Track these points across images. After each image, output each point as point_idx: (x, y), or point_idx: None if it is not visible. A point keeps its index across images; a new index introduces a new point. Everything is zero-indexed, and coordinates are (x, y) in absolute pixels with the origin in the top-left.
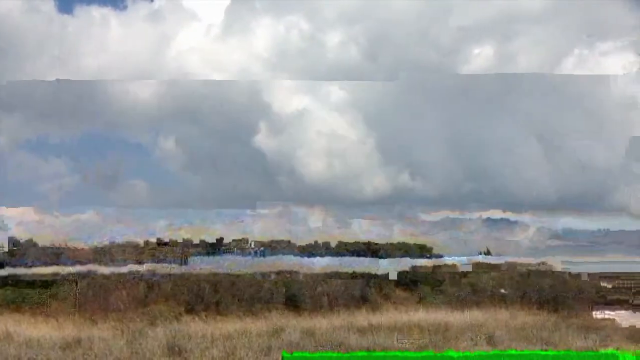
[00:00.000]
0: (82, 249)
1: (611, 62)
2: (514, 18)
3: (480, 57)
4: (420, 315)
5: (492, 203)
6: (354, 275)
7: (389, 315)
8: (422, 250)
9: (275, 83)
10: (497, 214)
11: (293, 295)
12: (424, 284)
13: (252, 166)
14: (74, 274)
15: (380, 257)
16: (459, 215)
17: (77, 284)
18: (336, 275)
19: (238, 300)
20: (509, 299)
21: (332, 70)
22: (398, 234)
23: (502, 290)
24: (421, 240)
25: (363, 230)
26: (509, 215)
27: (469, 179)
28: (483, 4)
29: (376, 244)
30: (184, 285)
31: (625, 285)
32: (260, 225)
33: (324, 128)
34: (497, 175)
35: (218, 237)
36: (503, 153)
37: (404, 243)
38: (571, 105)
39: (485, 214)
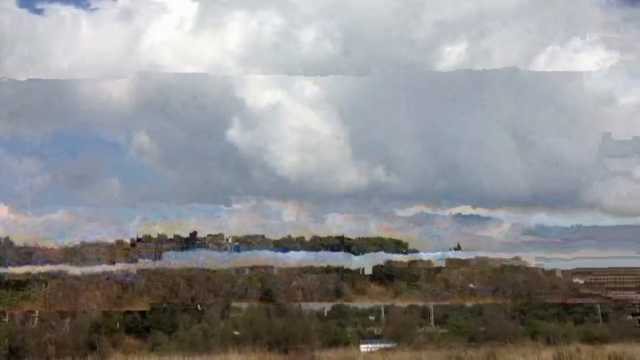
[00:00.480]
0: (53, 248)
1: (583, 58)
2: (488, 15)
3: (454, 54)
4: None
5: (465, 199)
6: (328, 270)
7: None
8: (398, 246)
9: (249, 77)
10: (468, 210)
11: (268, 290)
12: (400, 279)
13: (226, 160)
14: (45, 274)
15: (354, 253)
16: (432, 211)
17: (46, 285)
18: (311, 269)
19: (214, 295)
20: (480, 294)
21: (307, 65)
22: (373, 229)
23: (471, 285)
24: (397, 235)
25: (337, 225)
26: (480, 211)
27: (443, 174)
28: (457, 1)
29: (349, 239)
30: (159, 280)
31: (599, 280)
32: (235, 220)
33: (297, 123)
34: (471, 171)
35: (192, 232)
36: (476, 149)
37: (379, 238)
38: (544, 102)
39: (456, 210)
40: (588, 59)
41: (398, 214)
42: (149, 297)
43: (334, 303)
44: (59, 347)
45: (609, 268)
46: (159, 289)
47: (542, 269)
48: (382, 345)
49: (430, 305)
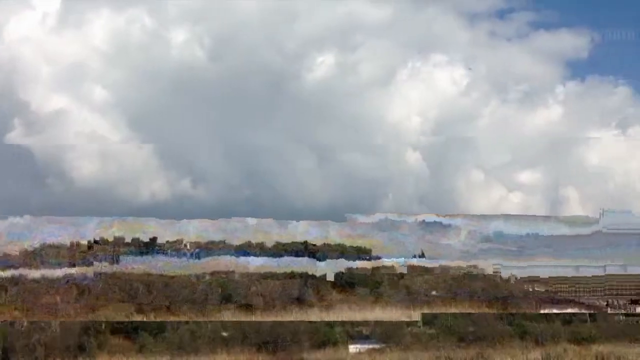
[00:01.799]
0: (12, 253)
1: (443, 74)
2: (355, 29)
3: (324, 65)
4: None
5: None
6: (291, 276)
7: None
8: (359, 252)
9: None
10: (431, 216)
11: (228, 295)
12: (363, 285)
13: None
14: (4, 278)
15: (319, 259)
16: (397, 217)
17: (6, 291)
18: (272, 275)
19: (170, 302)
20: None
21: (177, 68)
22: (335, 236)
23: (434, 293)
24: (359, 242)
25: (301, 231)
26: (442, 218)
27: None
28: (327, 13)
29: (314, 245)
30: (116, 284)
31: (554, 289)
32: (196, 225)
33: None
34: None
35: (152, 237)
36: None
37: (340, 244)
38: None
39: (420, 217)
40: (446, 76)
41: (361, 220)
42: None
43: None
44: (48, 348)
45: (564, 277)
46: (115, 292)
47: (500, 276)
48: (371, 346)
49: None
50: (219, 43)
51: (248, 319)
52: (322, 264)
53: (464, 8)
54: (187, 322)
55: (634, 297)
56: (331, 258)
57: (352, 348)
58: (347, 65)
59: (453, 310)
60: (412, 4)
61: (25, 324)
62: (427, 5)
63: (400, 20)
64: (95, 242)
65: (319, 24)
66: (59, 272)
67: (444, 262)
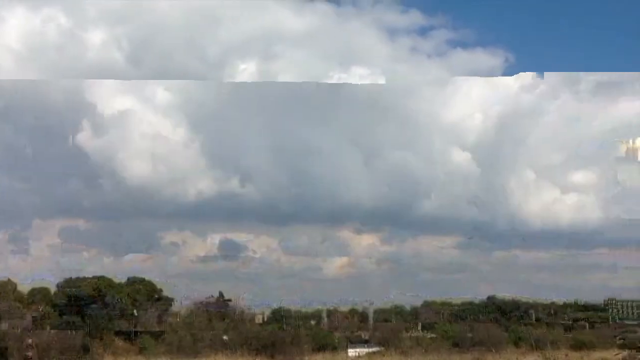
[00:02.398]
0: None
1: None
2: (278, 38)
3: (246, 73)
4: None
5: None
6: None
7: None
8: None
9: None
10: None
11: None
12: None
13: None
14: None
15: None
16: None
17: None
18: None
19: None
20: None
21: (93, 70)
22: None
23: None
24: None
25: None
26: None
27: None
28: (250, 21)
29: None
30: None
31: None
32: None
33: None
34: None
35: None
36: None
37: None
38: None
39: None
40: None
41: None
42: None
43: None
44: (44, 349)
45: None
46: None
47: None
48: (370, 350)
49: None
50: (138, 46)
51: None
52: None
53: (386, 23)
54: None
55: None
56: None
57: (351, 352)
58: (269, 74)
59: None
60: (335, 17)
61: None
62: (349, 19)
63: (323, 32)
64: None
65: (241, 32)
66: None
67: None
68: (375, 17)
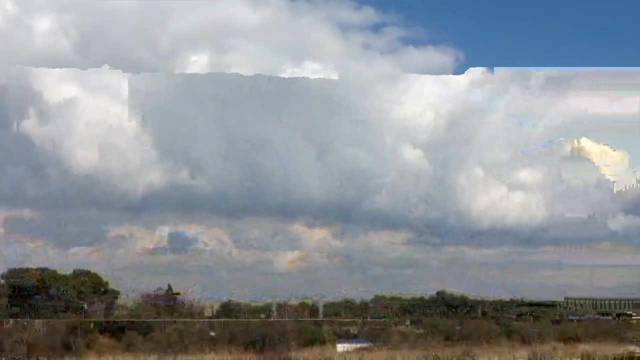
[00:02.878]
0: None
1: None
2: (231, 31)
3: (198, 65)
4: None
5: None
6: None
7: None
8: None
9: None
10: None
11: None
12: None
13: None
14: None
15: None
16: None
17: None
18: None
19: None
20: None
21: (40, 58)
22: None
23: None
24: None
25: None
26: None
27: None
28: (203, 13)
29: None
30: None
31: None
32: None
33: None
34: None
35: None
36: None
37: None
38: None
39: None
40: None
41: None
42: None
43: None
44: (32, 347)
45: None
46: None
47: None
48: (359, 345)
49: None
50: (86, 35)
51: None
52: None
53: (339, 19)
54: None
55: None
56: None
57: (340, 347)
58: (221, 67)
59: None
60: (288, 11)
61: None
62: (303, 14)
63: (276, 26)
64: None
65: (194, 23)
66: None
67: None
68: (329, 13)
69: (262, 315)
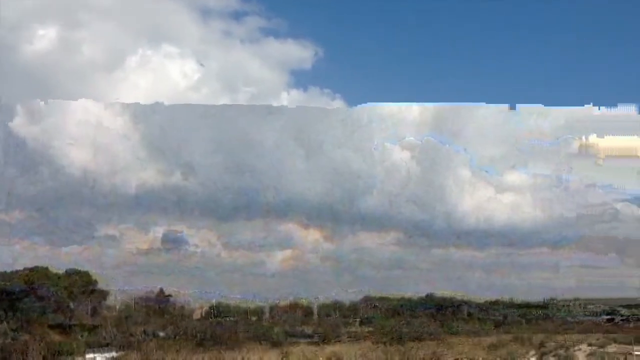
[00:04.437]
0: None
1: (174, 66)
2: (82, 7)
3: (45, 39)
4: None
5: None
6: None
7: None
8: None
9: None
10: None
11: None
12: None
13: None
14: None
15: None
16: None
17: None
18: None
19: None
20: None
21: None
22: None
23: None
24: None
25: None
26: None
27: None
28: None
29: None
30: None
31: None
32: None
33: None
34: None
35: None
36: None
37: None
38: None
39: None
40: (178, 68)
41: None
42: None
43: None
44: None
45: None
46: None
47: None
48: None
49: None
50: None
51: None
52: None
53: (199, 4)
54: None
55: None
56: None
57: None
58: (70, 43)
59: None
60: None
61: None
62: None
63: (133, 6)
64: None
65: None
66: None
67: None
68: None
69: (254, 318)
